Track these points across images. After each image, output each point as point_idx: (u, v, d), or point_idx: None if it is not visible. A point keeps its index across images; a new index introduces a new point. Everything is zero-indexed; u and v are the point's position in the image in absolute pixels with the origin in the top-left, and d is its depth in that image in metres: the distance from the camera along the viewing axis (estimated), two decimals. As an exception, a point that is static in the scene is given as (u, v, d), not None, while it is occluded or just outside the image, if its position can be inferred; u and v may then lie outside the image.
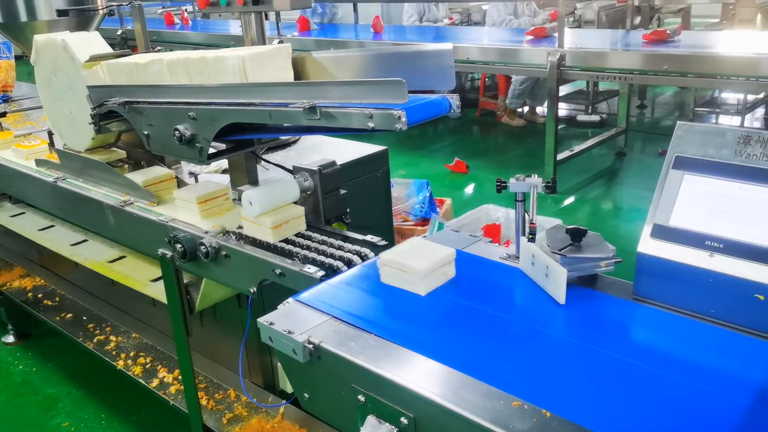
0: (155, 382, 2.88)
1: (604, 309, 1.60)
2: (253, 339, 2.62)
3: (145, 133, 2.25)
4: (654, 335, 1.52)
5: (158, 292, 2.55)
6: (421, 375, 1.39)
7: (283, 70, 2.11)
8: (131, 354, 3.10)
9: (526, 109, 8.08)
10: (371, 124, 1.57)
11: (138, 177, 2.46)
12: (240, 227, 2.11)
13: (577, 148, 6.16)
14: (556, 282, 1.62)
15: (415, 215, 4.13)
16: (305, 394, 1.64)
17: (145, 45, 2.98)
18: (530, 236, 1.70)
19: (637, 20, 7.42)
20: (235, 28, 8.45)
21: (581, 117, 7.83)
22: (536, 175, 1.80)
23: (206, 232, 2.16)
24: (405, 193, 4.31)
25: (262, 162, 2.50)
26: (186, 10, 9.61)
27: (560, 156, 5.86)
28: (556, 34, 5.58)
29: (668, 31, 5.36)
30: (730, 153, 1.51)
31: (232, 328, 2.74)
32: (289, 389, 2.70)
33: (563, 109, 8.20)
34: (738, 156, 1.50)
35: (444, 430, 1.33)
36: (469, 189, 6.11)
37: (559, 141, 5.91)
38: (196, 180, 2.62)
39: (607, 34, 6.74)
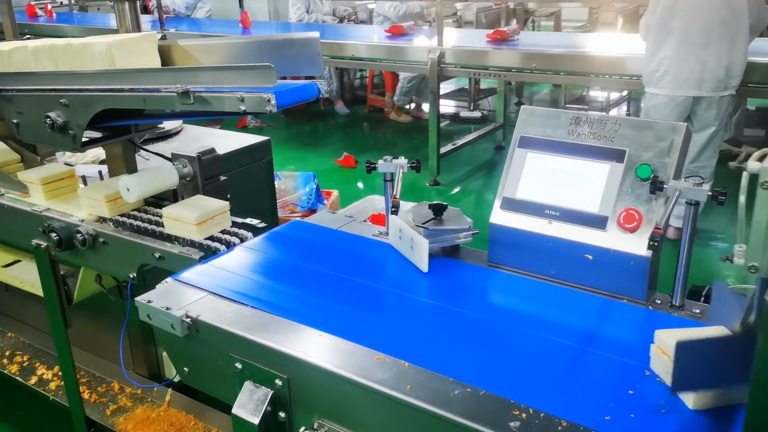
0: (33, 380, 2.81)
1: (462, 275, 1.77)
2: (137, 329, 2.63)
3: (15, 121, 2.21)
4: (504, 295, 1.70)
5: (9, 277, 2.51)
6: (293, 339, 1.50)
7: (150, 57, 2.13)
8: (7, 353, 2.99)
9: (413, 106, 8.35)
10: (243, 107, 1.66)
11: (33, 174, 2.35)
12: (123, 215, 2.13)
13: (460, 142, 6.46)
14: (419, 252, 1.77)
15: (302, 207, 4.21)
16: (185, 369, 1.70)
17: (13, 34, 2.89)
18: (393, 209, 1.84)
19: (513, 22, 7.85)
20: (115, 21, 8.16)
21: (464, 113, 8.19)
22: (402, 157, 1.95)
23: (82, 221, 2.15)
24: (292, 185, 4.39)
25: (141, 152, 2.51)
26: (49, 2, 9.10)
27: (444, 150, 6.12)
28: (413, 33, 5.92)
29: (508, 31, 5.75)
30: (565, 133, 1.71)
31: (113, 320, 2.71)
32: (177, 378, 2.73)
33: (448, 106, 8.53)
34: (570, 135, 1.70)
35: (315, 386, 1.44)
36: (358, 182, 6.26)
37: (443, 136, 6.18)
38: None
39: (481, 33, 7.07)
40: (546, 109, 1.77)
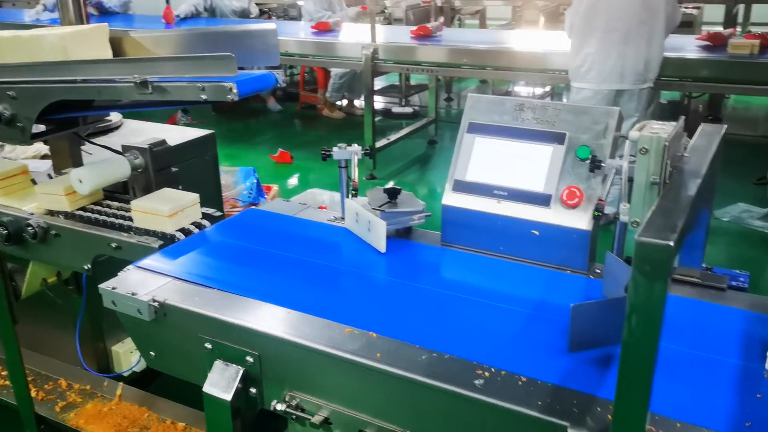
0: (-24, 381, 2.73)
1: (417, 254, 1.87)
2: (85, 325, 2.60)
3: (-43, 114, 2.15)
4: (459, 271, 1.81)
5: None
6: (263, 317, 1.56)
7: (102, 49, 2.13)
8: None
9: (345, 102, 8.42)
10: (204, 96, 1.70)
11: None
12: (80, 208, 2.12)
13: (394, 137, 6.58)
14: (377, 234, 1.86)
15: (243, 201, 4.22)
16: (151, 353, 1.73)
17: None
18: (353, 192, 1.92)
19: (441, 19, 8.05)
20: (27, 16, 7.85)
21: (396, 109, 8.33)
22: (356, 144, 2.03)
23: (32, 214, 2.12)
24: (232, 180, 4.39)
25: (84, 147, 2.48)
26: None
27: (378, 145, 6.23)
28: (339, 29, 6.09)
29: (431, 28, 5.94)
30: (510, 118, 1.84)
31: (59, 318, 2.67)
32: (127, 372, 2.72)
33: (379, 102, 8.64)
34: (515, 120, 1.83)
35: (287, 361, 1.50)
36: (295, 177, 6.29)
37: (376, 131, 6.29)
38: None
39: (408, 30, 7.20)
40: (492, 97, 1.89)
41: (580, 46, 4.45)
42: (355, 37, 6.17)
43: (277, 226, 2.07)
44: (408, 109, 8.25)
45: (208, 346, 1.58)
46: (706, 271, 1.70)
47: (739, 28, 7.69)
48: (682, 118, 1.38)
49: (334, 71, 7.71)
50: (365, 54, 5.62)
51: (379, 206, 1.89)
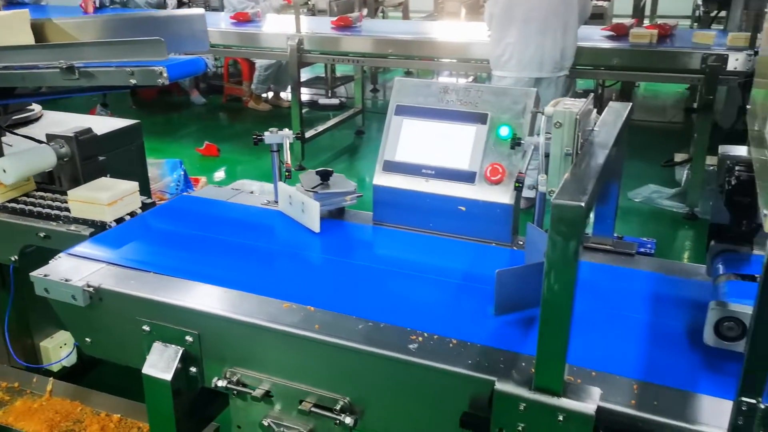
0: None
1: (351, 233, 1.94)
2: (11, 320, 2.53)
3: None
4: (390, 247, 1.89)
5: None
6: (200, 297, 1.58)
7: (24, 35, 2.08)
8: None
9: (271, 94, 8.36)
10: (133, 81, 1.70)
11: None
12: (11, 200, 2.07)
13: (321, 128, 6.61)
14: (311, 215, 1.91)
15: (170, 193, 4.17)
16: (87, 339, 1.72)
17: None
18: (287, 173, 1.97)
19: (365, 11, 8.11)
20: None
21: (322, 100, 8.34)
22: (287, 129, 2.07)
23: (-49, 206, 2.06)
24: (158, 172, 4.32)
25: (8, 136, 2.41)
26: None
27: (306, 135, 6.24)
28: (259, 19, 6.11)
29: (351, 18, 6.02)
30: (435, 100, 1.93)
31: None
32: (55, 366, 2.66)
33: (306, 94, 8.62)
34: (440, 102, 1.92)
35: (226, 338, 1.54)
36: (222, 170, 6.22)
37: (304, 122, 6.29)
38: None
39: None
40: (418, 80, 1.97)
41: (501, 37, 4.61)
42: (279, 27, 6.15)
43: (210, 211, 2.09)
44: (335, 101, 8.27)
45: (146, 328, 1.60)
46: (618, 240, 1.84)
47: (647, 20, 8.11)
48: (591, 95, 1.50)
49: (259, 63, 7.65)
50: (290, 45, 5.62)
51: (312, 188, 1.95)
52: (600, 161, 1.29)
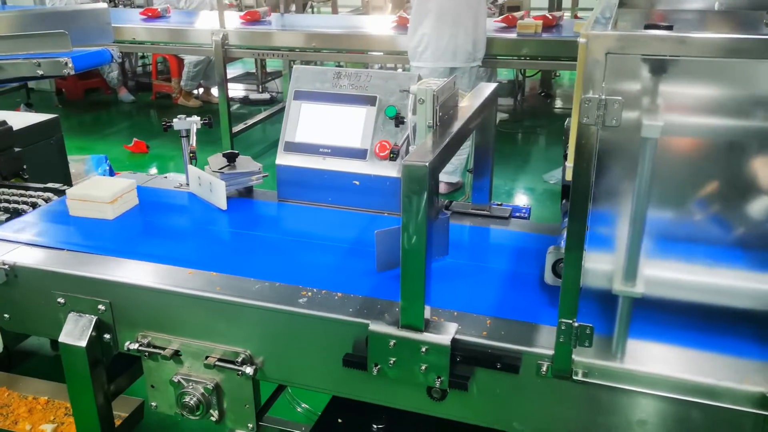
0: None
1: (256, 209, 2.10)
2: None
3: None
4: (293, 221, 2.06)
5: None
6: (111, 268, 1.72)
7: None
8: None
9: (201, 90, 8.38)
10: (40, 71, 1.82)
11: None
12: None
13: (251, 122, 6.71)
14: (218, 194, 2.06)
15: (96, 188, 4.22)
16: (5, 315, 1.83)
17: None
18: (191, 155, 2.11)
19: (293, 7, 8.23)
20: None
21: (253, 96, 8.42)
22: (196, 116, 2.22)
23: None
24: (84, 168, 4.36)
25: None
26: None
27: (236, 129, 6.33)
28: (168, 15, 6.26)
29: (260, 12, 6.16)
30: (330, 85, 2.11)
31: None
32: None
33: (238, 90, 8.69)
34: (335, 87, 2.10)
35: (136, 304, 1.68)
36: (153, 166, 6.26)
37: (235, 118, 6.38)
38: None
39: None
40: (314, 67, 2.15)
41: (416, 28, 4.82)
42: (204, 23, 6.21)
43: (124, 195, 2.21)
44: (265, 96, 8.37)
45: (61, 300, 1.73)
46: (497, 206, 2.06)
47: (568, 13, 8.45)
48: (455, 75, 1.71)
49: (188, 59, 7.67)
50: (215, 40, 5.70)
51: (219, 169, 2.10)
52: (453, 130, 1.50)
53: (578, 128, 1.16)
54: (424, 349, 1.40)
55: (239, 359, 1.61)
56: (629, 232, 1.25)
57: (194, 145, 2.13)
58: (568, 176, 1.21)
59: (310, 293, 1.60)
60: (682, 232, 1.29)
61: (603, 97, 1.13)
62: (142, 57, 9.45)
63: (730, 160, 1.22)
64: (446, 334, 1.40)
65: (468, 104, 1.69)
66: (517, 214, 2.05)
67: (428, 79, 1.64)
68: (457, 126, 1.53)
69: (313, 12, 9.94)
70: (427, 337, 1.40)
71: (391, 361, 1.43)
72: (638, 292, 1.28)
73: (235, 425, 1.70)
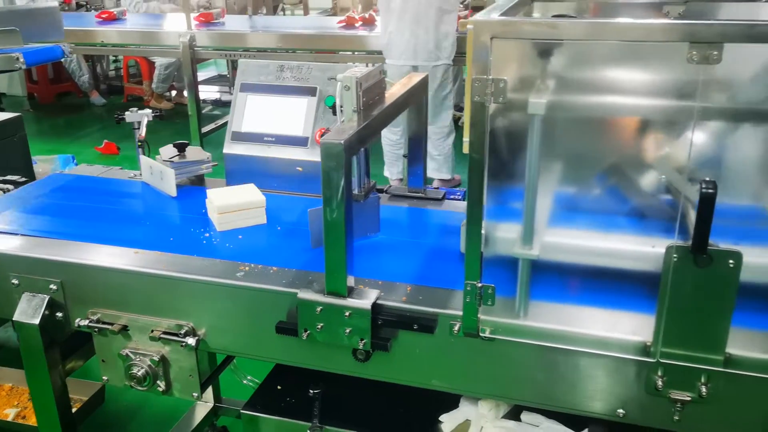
0: None
1: (205, 196, 2.21)
2: None
3: None
4: (239, 206, 2.17)
5: None
6: (62, 249, 1.83)
7: None
8: None
9: (174, 93, 8.46)
10: (-7, 66, 1.92)
11: None
12: None
13: (221, 122, 6.81)
14: (168, 182, 2.18)
15: (63, 187, 4.30)
16: (-38, 299, 1.93)
17: None
18: (139, 143, 2.23)
19: (263, 9, 8.33)
20: None
21: (225, 97, 8.51)
22: (148, 109, 2.33)
23: None
24: (51, 168, 4.43)
25: None
26: None
27: (206, 129, 6.42)
28: (125, 18, 6.42)
29: (213, 14, 6.26)
30: (274, 78, 2.23)
31: None
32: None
33: (211, 92, 8.78)
34: (278, 79, 2.22)
35: (86, 283, 1.79)
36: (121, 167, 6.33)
37: (208, 119, 6.48)
38: None
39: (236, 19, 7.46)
40: (259, 61, 2.27)
41: (386, 26, 4.95)
42: (172, 25, 6.30)
43: (80, 185, 2.32)
44: (237, 97, 8.47)
45: (15, 281, 1.83)
46: (433, 189, 2.19)
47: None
48: (381, 64, 1.84)
49: (159, 62, 7.75)
50: (182, 42, 5.79)
51: (169, 158, 2.21)
52: (374, 113, 1.63)
53: (471, 106, 1.30)
54: (347, 314, 1.53)
55: (182, 331, 1.72)
56: (524, 200, 1.39)
57: (143, 135, 2.24)
58: (465, 150, 1.34)
59: (247, 268, 1.72)
60: (573, 200, 1.43)
61: (490, 77, 1.27)
62: (115, 60, 9.51)
63: (609, 135, 1.36)
64: (367, 299, 1.53)
65: (393, 91, 1.83)
66: (452, 197, 2.18)
67: (356, 67, 1.76)
68: (378, 110, 1.66)
69: (284, 14, 10.05)
70: (350, 302, 1.53)
71: (319, 326, 1.56)
72: (534, 254, 1.41)
73: (182, 394, 1.81)
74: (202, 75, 8.66)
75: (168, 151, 2.26)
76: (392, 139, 5.18)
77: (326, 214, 1.47)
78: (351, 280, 1.55)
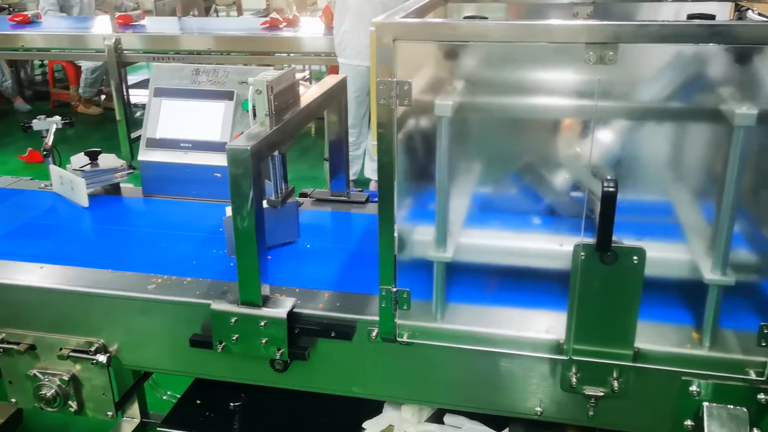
0: None
1: (120, 205, 2.14)
2: None
3: None
4: (152, 214, 2.10)
5: None
6: (-38, 268, 1.73)
7: None
8: None
9: (103, 97, 8.19)
10: None
11: None
12: None
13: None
14: (79, 192, 2.09)
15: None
16: None
17: None
18: (44, 152, 2.13)
19: (195, 11, 8.15)
20: None
21: (158, 101, 8.30)
22: (57, 116, 2.23)
23: None
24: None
25: None
26: None
27: (136, 135, 6.23)
28: (41, 20, 6.24)
29: (132, 16, 6.10)
30: (189, 81, 2.16)
31: None
32: None
33: (143, 96, 8.53)
34: (194, 83, 2.16)
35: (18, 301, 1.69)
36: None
37: (139, 124, 6.27)
38: None
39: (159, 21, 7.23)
40: (173, 65, 2.22)
41: (340, 24, 4.86)
42: (96, 28, 6.10)
43: (-15, 197, 2.20)
44: (170, 101, 8.26)
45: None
46: (356, 192, 2.17)
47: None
48: (293, 66, 1.80)
49: (85, 66, 7.48)
50: (107, 45, 5.61)
51: (81, 167, 2.12)
52: (285, 117, 1.59)
53: (378, 109, 1.28)
54: (263, 324, 1.49)
55: (92, 349, 1.65)
56: (436, 202, 1.38)
57: (50, 143, 2.14)
58: (373, 153, 1.32)
59: (160, 280, 1.66)
60: (486, 201, 1.42)
61: (395, 80, 1.25)
62: (41, 65, 9.14)
63: (517, 135, 1.37)
64: (283, 308, 1.49)
65: (308, 94, 1.79)
66: (376, 199, 2.16)
67: (268, 71, 1.72)
68: (291, 113, 1.62)
69: (218, 15, 9.87)
70: (265, 312, 1.49)
71: (234, 338, 1.51)
72: (448, 256, 1.40)
73: (96, 414, 1.73)
74: (133, 79, 8.41)
75: (79, 159, 2.16)
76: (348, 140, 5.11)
77: (236, 223, 1.43)
78: (266, 289, 1.51)
